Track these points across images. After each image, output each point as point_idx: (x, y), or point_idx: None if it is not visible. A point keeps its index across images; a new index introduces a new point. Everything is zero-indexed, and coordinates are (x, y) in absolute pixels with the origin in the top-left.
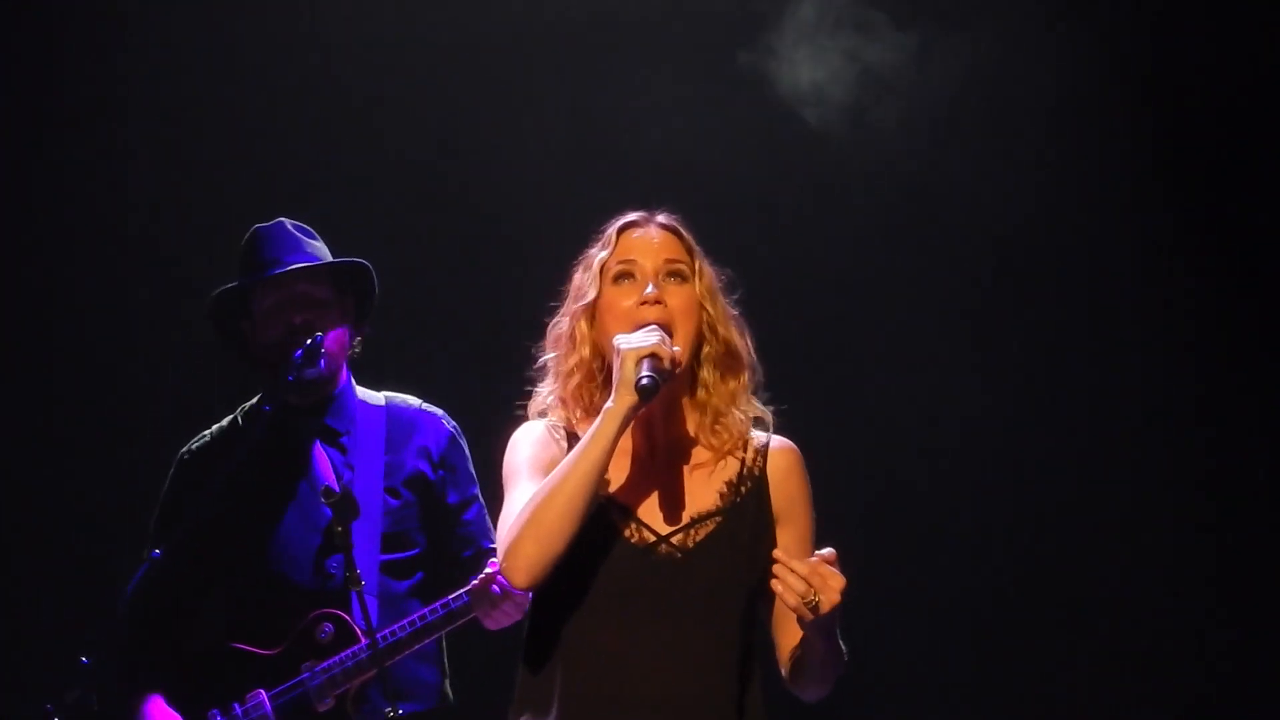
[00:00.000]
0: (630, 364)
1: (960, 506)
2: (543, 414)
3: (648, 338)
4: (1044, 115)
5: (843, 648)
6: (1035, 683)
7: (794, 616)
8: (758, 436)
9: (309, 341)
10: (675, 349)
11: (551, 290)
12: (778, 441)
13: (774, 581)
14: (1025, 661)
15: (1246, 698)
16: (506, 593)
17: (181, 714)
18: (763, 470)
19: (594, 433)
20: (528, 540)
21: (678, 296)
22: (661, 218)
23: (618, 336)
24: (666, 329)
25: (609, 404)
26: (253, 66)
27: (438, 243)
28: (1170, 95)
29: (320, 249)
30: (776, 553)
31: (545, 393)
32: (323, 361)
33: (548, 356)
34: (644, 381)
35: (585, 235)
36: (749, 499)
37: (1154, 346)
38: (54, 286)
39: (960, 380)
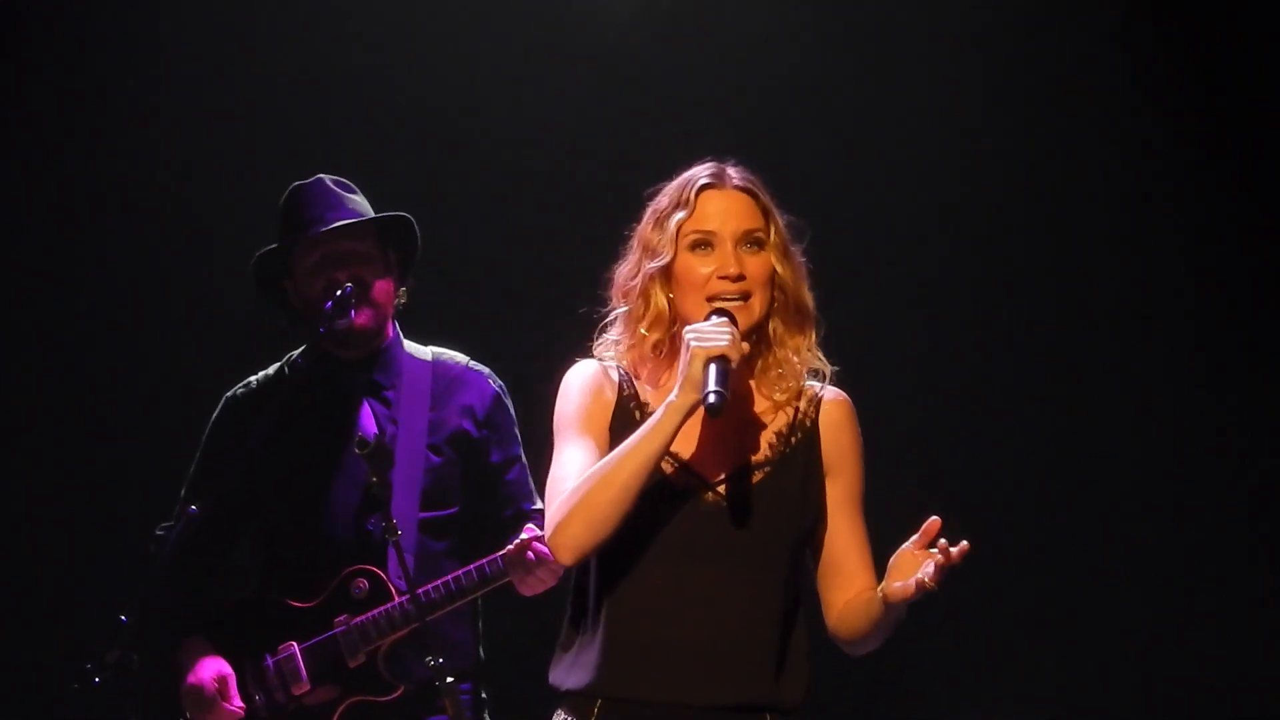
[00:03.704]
0: (699, 364)
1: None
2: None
3: (719, 336)
4: None
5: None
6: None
7: (845, 572)
8: (811, 387)
9: (338, 293)
10: (744, 345)
11: (593, 245)
12: (831, 393)
13: (917, 580)
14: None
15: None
16: (541, 559)
17: None
18: (814, 421)
19: (654, 425)
20: (577, 522)
21: (754, 265)
22: (736, 177)
23: (688, 328)
24: (745, 297)
25: (672, 397)
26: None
27: (476, 195)
28: None
29: (361, 204)
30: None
31: (616, 340)
32: (353, 312)
33: (619, 310)
34: (711, 399)
35: (628, 183)
36: (799, 449)
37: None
38: (92, 245)
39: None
